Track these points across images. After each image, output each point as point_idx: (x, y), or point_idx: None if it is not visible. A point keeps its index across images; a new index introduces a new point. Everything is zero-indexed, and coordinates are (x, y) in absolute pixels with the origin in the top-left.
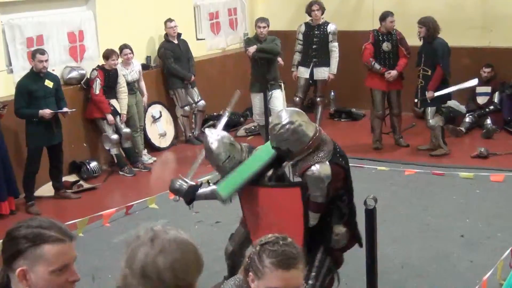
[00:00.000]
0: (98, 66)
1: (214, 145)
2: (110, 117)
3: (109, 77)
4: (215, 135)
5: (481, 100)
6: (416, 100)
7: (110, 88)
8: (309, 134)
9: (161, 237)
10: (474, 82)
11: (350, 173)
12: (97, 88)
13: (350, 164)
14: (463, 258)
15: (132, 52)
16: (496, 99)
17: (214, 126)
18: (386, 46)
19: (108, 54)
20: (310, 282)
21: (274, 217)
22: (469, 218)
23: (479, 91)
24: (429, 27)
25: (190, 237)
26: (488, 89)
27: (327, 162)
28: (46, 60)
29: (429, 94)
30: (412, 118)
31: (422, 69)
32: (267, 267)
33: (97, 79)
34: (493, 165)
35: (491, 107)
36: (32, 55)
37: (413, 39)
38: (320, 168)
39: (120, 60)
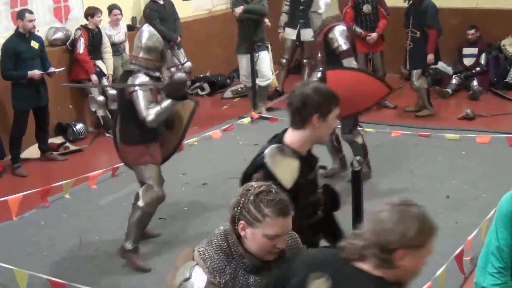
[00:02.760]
0: (82, 25)
1: None
2: (94, 77)
3: (93, 37)
4: None
5: (467, 61)
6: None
7: (95, 48)
8: None
9: None
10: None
11: None
12: (81, 47)
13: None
14: (449, 219)
15: (121, 13)
16: (482, 60)
17: (201, 88)
18: (366, 8)
19: (93, 12)
20: None
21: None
22: (454, 179)
23: (466, 53)
24: None
25: None
26: (474, 50)
27: None
28: (35, 20)
29: (429, 57)
30: (399, 80)
31: (410, 31)
32: (268, 216)
33: (81, 38)
34: (479, 126)
35: (478, 68)
36: (21, 15)
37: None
38: None
39: (107, 20)
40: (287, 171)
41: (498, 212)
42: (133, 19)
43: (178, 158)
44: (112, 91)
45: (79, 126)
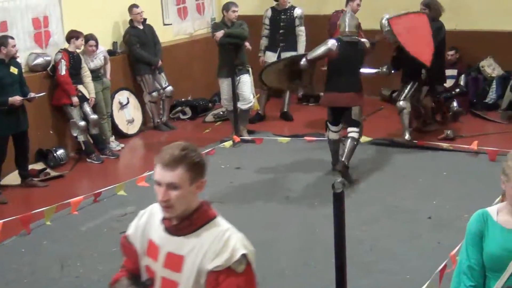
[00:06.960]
0: (61, 48)
1: None
2: (75, 99)
3: (74, 60)
4: None
5: (447, 83)
6: None
7: (76, 72)
8: None
9: None
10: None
11: None
12: (62, 69)
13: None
14: (431, 239)
15: (97, 45)
16: (462, 81)
17: (183, 112)
18: None
19: (77, 35)
20: None
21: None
22: (436, 200)
23: (446, 74)
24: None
25: None
26: (454, 72)
27: None
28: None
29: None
30: (379, 101)
31: None
32: None
33: (62, 60)
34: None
35: (457, 90)
36: (3, 42)
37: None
38: None
39: (82, 48)
40: None
41: (468, 232)
42: (114, 44)
43: None
44: (93, 116)
45: (60, 151)
